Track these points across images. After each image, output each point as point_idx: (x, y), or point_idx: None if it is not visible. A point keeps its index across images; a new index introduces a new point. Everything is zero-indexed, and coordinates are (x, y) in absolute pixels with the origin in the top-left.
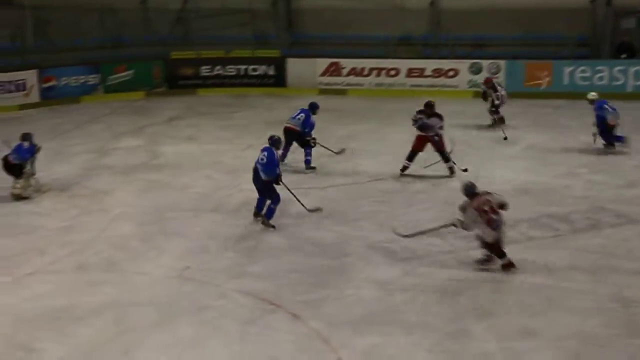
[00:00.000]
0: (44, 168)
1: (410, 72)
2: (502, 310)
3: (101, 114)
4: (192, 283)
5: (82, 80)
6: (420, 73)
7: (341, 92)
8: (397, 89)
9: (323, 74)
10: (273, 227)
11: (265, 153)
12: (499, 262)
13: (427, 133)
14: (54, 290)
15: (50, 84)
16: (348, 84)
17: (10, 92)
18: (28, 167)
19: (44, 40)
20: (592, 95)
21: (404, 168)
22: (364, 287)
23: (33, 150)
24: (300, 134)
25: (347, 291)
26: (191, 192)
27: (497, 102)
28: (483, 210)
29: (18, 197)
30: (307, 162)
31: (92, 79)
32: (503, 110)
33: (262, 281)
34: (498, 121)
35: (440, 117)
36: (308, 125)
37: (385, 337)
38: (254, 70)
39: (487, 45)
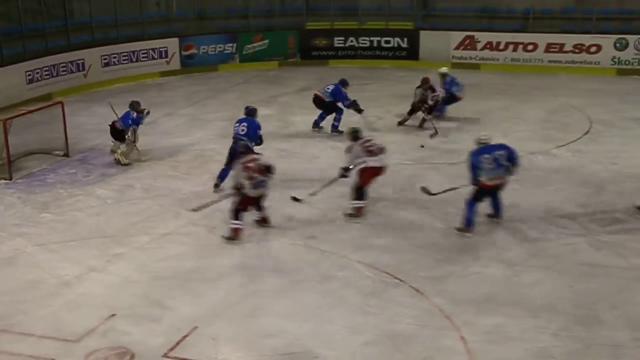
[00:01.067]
0: (182, 133)
1: (549, 47)
2: (638, 299)
3: (236, 83)
4: (317, 252)
5: (219, 49)
6: (560, 48)
7: (475, 67)
8: (534, 64)
9: (457, 48)
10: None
11: (245, 123)
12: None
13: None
14: (187, 252)
15: (191, 52)
16: (482, 58)
17: (153, 59)
18: (129, 134)
19: (185, 9)
20: (444, 69)
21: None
22: (490, 265)
23: (138, 120)
24: (326, 103)
25: (473, 269)
26: (319, 163)
27: (430, 102)
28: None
29: (117, 162)
30: (334, 126)
31: (229, 47)
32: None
33: (386, 254)
34: (426, 122)
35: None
36: (338, 96)
37: (509, 318)
38: (387, 42)
39: (635, 20)
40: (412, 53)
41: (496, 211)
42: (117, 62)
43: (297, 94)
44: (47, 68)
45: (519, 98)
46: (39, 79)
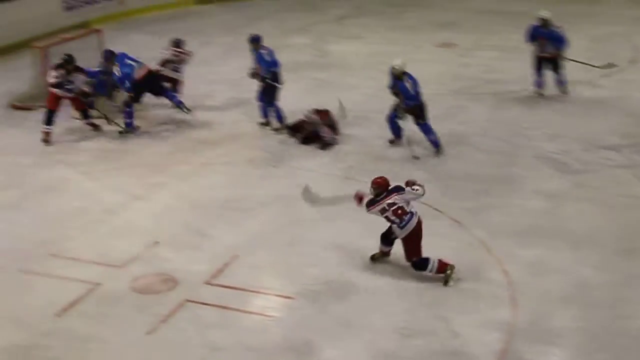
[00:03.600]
0: (219, 62)
1: None
2: None
3: (272, 11)
4: (355, 182)
5: None
6: None
7: None
8: None
9: None
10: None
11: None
12: None
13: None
14: (226, 181)
15: None
16: None
17: None
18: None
19: None
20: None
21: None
22: (531, 197)
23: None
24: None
25: (514, 201)
26: (357, 93)
27: None
28: None
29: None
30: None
31: None
32: None
33: (426, 185)
34: None
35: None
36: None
37: (550, 250)
38: None
39: None
40: None
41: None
42: None
43: (334, 22)
44: None
45: (563, 26)
46: (76, 6)
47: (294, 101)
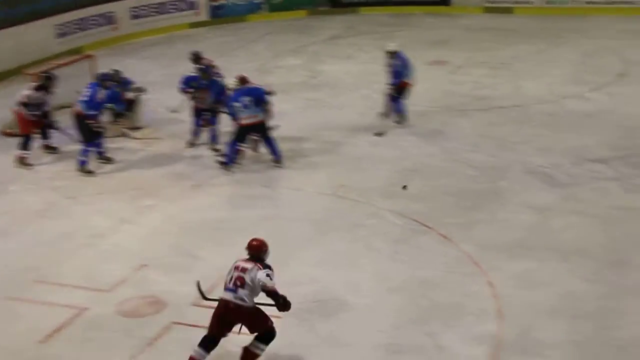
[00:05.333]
0: None
1: None
2: None
3: (264, 33)
4: (346, 201)
5: None
6: None
7: (508, 11)
8: (570, 6)
9: None
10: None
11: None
12: None
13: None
14: (215, 203)
15: (220, 2)
16: (516, 2)
17: (182, 10)
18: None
19: None
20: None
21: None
22: (520, 211)
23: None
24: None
25: (502, 215)
26: (348, 112)
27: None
28: None
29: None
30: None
31: None
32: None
33: (415, 202)
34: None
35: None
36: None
37: (539, 263)
38: None
39: None
40: None
41: (274, 155)
42: (146, 14)
43: (326, 42)
44: (76, 21)
45: (553, 41)
46: (69, 32)
47: (285, 120)
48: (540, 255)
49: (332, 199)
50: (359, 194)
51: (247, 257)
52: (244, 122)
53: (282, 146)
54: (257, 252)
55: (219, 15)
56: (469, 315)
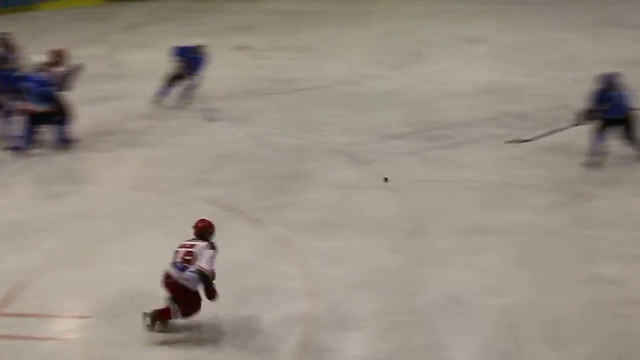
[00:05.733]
0: None
1: None
2: (459, 209)
3: (59, 22)
4: (154, 192)
5: None
6: None
7: None
8: None
9: None
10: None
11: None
12: None
13: None
14: (8, 204)
15: None
16: None
17: None
18: None
19: None
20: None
21: None
22: (325, 191)
23: None
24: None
25: (308, 195)
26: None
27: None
28: None
29: None
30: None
31: None
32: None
33: (224, 188)
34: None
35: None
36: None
37: (344, 240)
38: None
39: None
40: None
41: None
42: None
43: (126, 31)
44: None
45: (353, 23)
46: None
47: (86, 113)
48: (346, 231)
49: (138, 192)
50: (167, 183)
51: (193, 237)
52: (35, 109)
53: (86, 140)
54: (203, 232)
55: (6, 4)
56: (281, 296)
